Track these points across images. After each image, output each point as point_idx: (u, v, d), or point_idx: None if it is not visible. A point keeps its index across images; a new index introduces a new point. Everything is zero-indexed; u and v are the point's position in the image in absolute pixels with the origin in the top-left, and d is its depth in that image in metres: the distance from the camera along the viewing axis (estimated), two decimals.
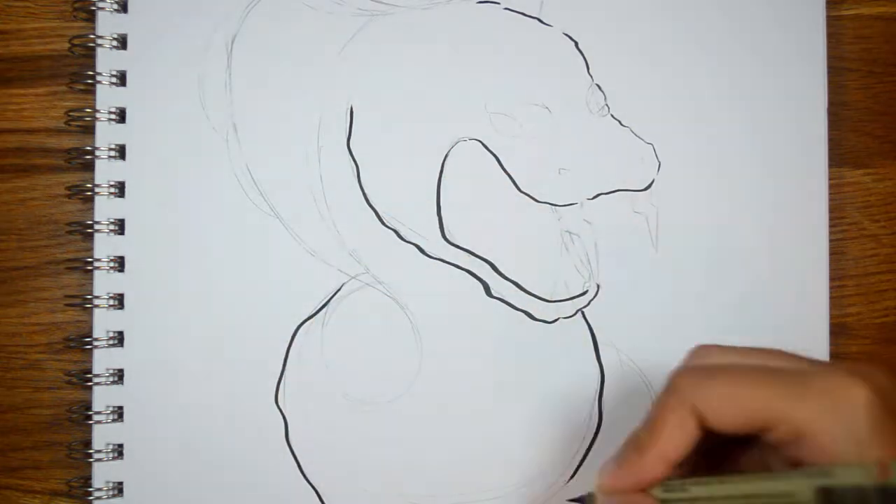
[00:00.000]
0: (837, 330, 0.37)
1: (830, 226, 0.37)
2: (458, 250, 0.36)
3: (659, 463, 0.25)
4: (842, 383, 0.24)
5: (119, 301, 0.35)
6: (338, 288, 0.36)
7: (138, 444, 0.35)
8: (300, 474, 0.35)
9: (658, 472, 0.25)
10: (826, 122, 0.37)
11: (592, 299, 0.36)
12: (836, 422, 0.23)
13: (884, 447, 0.23)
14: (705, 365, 0.26)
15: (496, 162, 0.36)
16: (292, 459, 0.35)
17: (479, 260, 0.36)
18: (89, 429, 0.35)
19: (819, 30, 0.37)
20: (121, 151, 0.35)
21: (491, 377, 0.36)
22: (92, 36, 0.36)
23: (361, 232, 0.36)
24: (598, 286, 0.36)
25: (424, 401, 0.36)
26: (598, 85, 0.37)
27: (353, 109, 0.36)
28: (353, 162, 0.36)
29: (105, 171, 0.35)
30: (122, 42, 0.36)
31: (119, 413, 0.35)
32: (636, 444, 0.26)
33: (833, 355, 0.36)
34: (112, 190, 0.35)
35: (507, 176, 0.36)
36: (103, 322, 0.35)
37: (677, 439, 0.25)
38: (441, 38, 0.36)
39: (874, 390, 0.24)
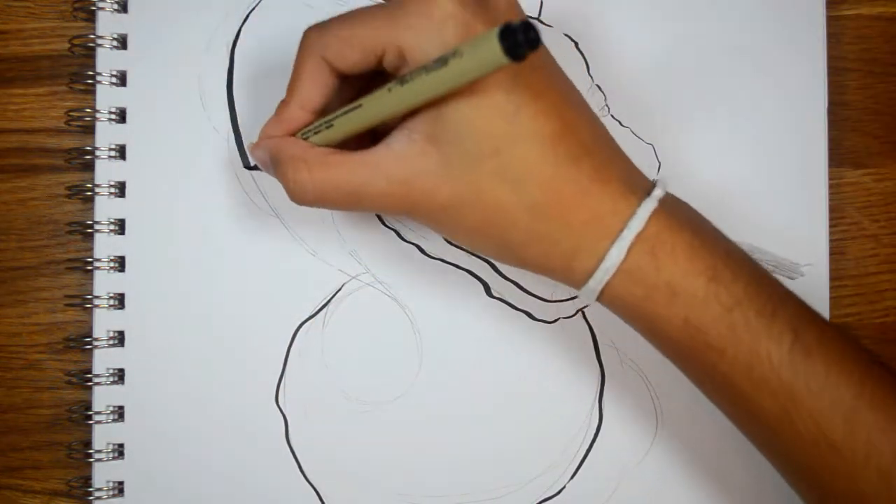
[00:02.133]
0: None
1: (830, 226, 0.37)
2: (459, 250, 0.36)
3: (299, 109, 0.29)
4: (429, 1, 0.26)
5: (119, 301, 0.35)
6: (338, 288, 0.36)
7: (138, 444, 0.35)
8: (300, 474, 0.35)
9: (302, 119, 0.29)
10: (826, 122, 0.37)
11: None
12: (427, 36, 0.26)
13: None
14: (327, 20, 0.29)
15: None
16: (292, 459, 0.35)
17: (479, 260, 0.36)
18: (89, 429, 0.35)
19: (819, 30, 0.37)
20: (121, 151, 0.35)
21: (491, 377, 0.36)
22: (92, 36, 0.36)
23: (362, 232, 0.36)
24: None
25: (424, 401, 0.36)
26: (598, 85, 0.37)
27: None
28: None
29: (105, 171, 0.35)
30: (122, 42, 0.36)
31: (119, 413, 0.35)
32: (283, 101, 0.30)
33: None
34: (112, 190, 0.35)
35: None
36: (103, 322, 0.35)
37: (314, 87, 0.29)
38: None
39: (457, 1, 0.26)
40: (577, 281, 0.29)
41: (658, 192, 0.28)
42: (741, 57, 0.37)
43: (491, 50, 0.23)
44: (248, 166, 0.36)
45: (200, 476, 0.35)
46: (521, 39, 0.22)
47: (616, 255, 0.27)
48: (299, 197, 0.29)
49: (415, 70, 0.26)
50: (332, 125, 0.29)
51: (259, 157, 0.31)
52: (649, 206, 0.28)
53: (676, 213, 0.28)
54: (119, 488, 0.35)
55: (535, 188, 0.27)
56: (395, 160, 0.27)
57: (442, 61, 0.24)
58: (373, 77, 0.29)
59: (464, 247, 0.31)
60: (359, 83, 0.30)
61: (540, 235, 0.28)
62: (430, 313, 0.36)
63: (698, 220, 0.30)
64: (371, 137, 0.29)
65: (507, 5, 0.28)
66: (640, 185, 0.29)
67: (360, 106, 0.28)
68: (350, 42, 0.28)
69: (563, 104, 0.28)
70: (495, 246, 0.29)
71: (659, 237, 0.27)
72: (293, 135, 0.30)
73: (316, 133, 0.29)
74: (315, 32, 0.29)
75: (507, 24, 0.23)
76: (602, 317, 0.36)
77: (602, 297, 0.29)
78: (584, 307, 0.36)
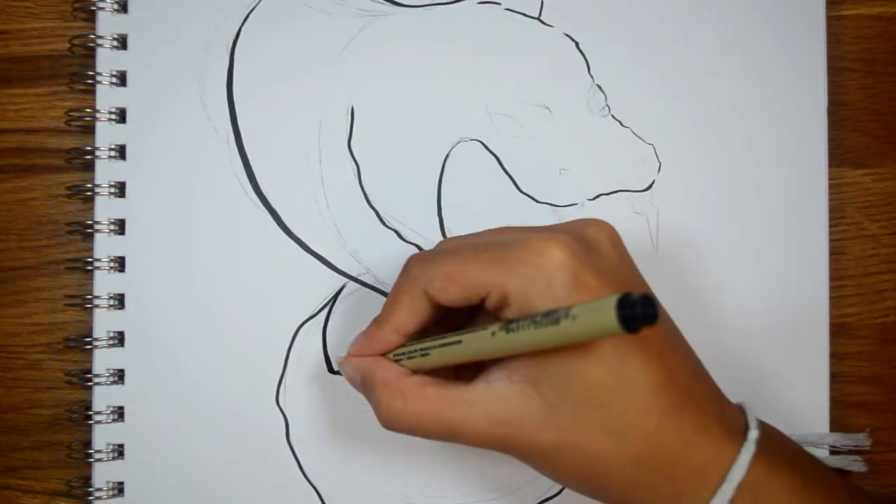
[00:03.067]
0: (837, 330, 0.37)
1: (830, 226, 0.37)
2: None
3: (393, 333, 0.30)
4: (538, 249, 0.26)
5: (119, 301, 0.35)
6: (338, 288, 0.36)
7: (138, 444, 0.35)
8: (300, 474, 0.35)
9: (392, 341, 0.30)
10: (826, 122, 0.37)
11: None
12: (536, 285, 0.26)
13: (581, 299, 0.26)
14: (433, 250, 0.30)
15: (497, 162, 0.36)
16: (293, 459, 0.35)
17: None
18: (89, 429, 0.35)
19: (819, 30, 0.37)
20: (121, 151, 0.35)
21: None
22: (92, 36, 0.36)
23: (362, 232, 0.36)
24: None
25: None
26: (598, 85, 0.37)
27: (354, 110, 0.36)
28: (353, 162, 0.36)
29: (105, 171, 0.35)
30: (122, 42, 0.36)
31: (119, 413, 0.35)
32: (377, 320, 0.30)
33: (833, 355, 0.36)
34: (112, 190, 0.35)
35: (507, 176, 0.36)
36: (103, 322, 0.35)
37: (409, 315, 0.29)
38: (441, 39, 0.36)
39: (568, 252, 0.26)
40: None
41: (754, 434, 0.28)
42: (741, 57, 0.37)
43: (606, 318, 0.22)
44: (332, 371, 0.36)
45: (200, 476, 0.35)
46: (638, 313, 0.22)
47: None
48: (391, 424, 0.29)
49: (522, 321, 0.25)
50: (427, 354, 0.29)
51: (349, 374, 0.31)
52: (748, 452, 0.27)
53: (774, 453, 0.28)
54: (119, 488, 0.35)
55: (639, 440, 0.26)
56: (496, 401, 0.27)
57: (553, 320, 0.24)
58: (472, 309, 0.29)
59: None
60: (456, 311, 0.30)
61: (642, 485, 0.27)
62: None
63: (794, 454, 0.30)
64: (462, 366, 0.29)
65: (611, 248, 0.28)
66: (736, 426, 0.28)
67: (459, 342, 0.27)
68: (454, 279, 0.28)
69: (667, 353, 0.27)
70: (595, 490, 0.28)
71: (759, 482, 0.27)
72: (383, 355, 0.30)
73: (410, 358, 0.29)
74: (419, 264, 0.29)
75: (626, 296, 0.22)
76: None
77: None
78: None
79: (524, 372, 0.27)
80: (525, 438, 0.27)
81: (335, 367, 0.35)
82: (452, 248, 0.29)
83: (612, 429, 0.26)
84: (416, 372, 0.29)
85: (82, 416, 0.35)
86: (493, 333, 0.26)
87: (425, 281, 0.28)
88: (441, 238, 0.36)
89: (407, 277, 0.29)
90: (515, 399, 0.27)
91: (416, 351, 0.29)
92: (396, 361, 0.30)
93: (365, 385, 0.30)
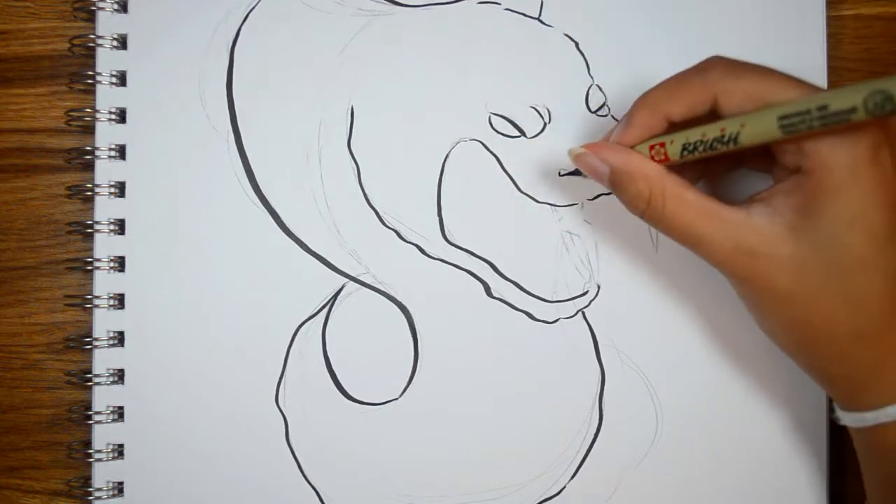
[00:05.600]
0: None
1: None
2: (459, 251, 0.36)
3: (662, 119, 0.29)
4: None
5: (119, 301, 0.35)
6: (338, 288, 0.36)
7: (138, 444, 0.35)
8: (300, 474, 0.35)
9: (655, 127, 0.29)
10: None
11: (593, 299, 0.36)
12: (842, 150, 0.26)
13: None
14: (738, 62, 0.29)
15: (497, 162, 0.36)
16: (292, 459, 0.35)
17: (479, 260, 0.36)
18: (89, 429, 0.35)
19: (819, 30, 0.37)
20: (121, 151, 0.35)
21: (491, 377, 0.36)
22: (92, 36, 0.36)
23: (362, 232, 0.36)
24: (599, 286, 0.36)
25: (425, 401, 0.36)
26: (598, 86, 0.37)
27: (354, 110, 0.36)
28: (353, 162, 0.36)
29: (105, 171, 0.35)
30: (122, 42, 0.36)
31: (119, 413, 0.35)
32: (639, 103, 0.29)
33: None
34: (112, 190, 0.35)
35: (507, 176, 0.36)
36: (103, 322, 0.35)
37: (684, 106, 0.28)
38: (441, 39, 0.36)
39: (883, 137, 0.26)
40: (851, 405, 0.29)
41: None
42: (741, 57, 0.37)
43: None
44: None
45: (200, 476, 0.35)
46: None
47: None
48: (645, 216, 0.29)
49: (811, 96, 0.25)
50: (703, 139, 0.28)
51: (593, 166, 0.31)
52: None
53: None
54: (119, 488, 0.35)
55: (871, 318, 0.27)
56: (751, 231, 0.27)
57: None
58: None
59: (763, 330, 0.31)
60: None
61: (850, 357, 0.27)
62: (430, 313, 0.36)
63: None
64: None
65: None
66: None
67: (742, 124, 0.27)
68: (751, 101, 0.28)
69: None
70: (798, 348, 0.29)
71: None
72: (634, 145, 0.30)
73: (673, 144, 0.29)
74: (722, 72, 0.28)
75: None
76: (602, 317, 0.36)
77: (867, 430, 0.29)
78: (585, 307, 0.36)
79: (789, 217, 0.27)
80: (763, 275, 0.27)
81: (569, 157, 0.32)
82: (761, 71, 0.28)
83: (851, 299, 0.27)
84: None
85: (82, 416, 0.35)
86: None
87: (722, 91, 0.28)
88: (441, 238, 0.36)
89: (704, 79, 0.28)
90: (771, 236, 0.27)
91: (681, 137, 0.28)
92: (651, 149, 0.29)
93: (617, 177, 0.30)
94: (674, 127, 0.30)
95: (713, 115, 0.29)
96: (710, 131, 0.28)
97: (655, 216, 0.29)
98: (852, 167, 0.26)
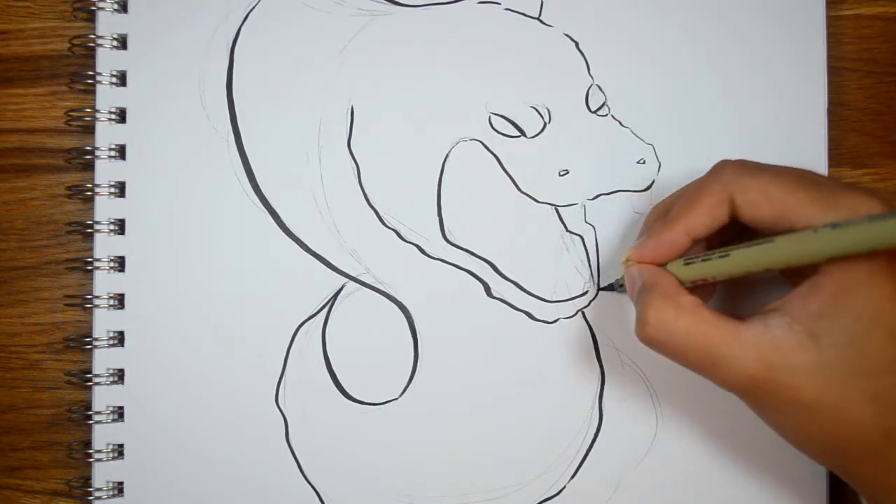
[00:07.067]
0: None
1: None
2: (459, 251, 0.36)
3: (684, 235, 0.29)
4: (865, 202, 0.26)
5: (119, 301, 0.35)
6: (338, 288, 0.36)
7: (138, 444, 0.35)
8: (300, 474, 0.35)
9: (681, 244, 0.29)
10: (826, 122, 0.37)
11: (593, 299, 0.36)
12: None
13: None
14: (750, 162, 0.29)
15: (497, 162, 0.36)
16: (292, 459, 0.35)
17: (479, 260, 0.36)
18: (89, 429, 0.35)
19: (819, 30, 0.37)
20: (121, 151, 0.35)
21: (491, 377, 0.36)
22: (92, 36, 0.36)
23: (362, 232, 0.36)
24: (598, 286, 0.36)
25: (425, 401, 0.36)
26: (598, 85, 0.37)
27: (354, 109, 0.36)
28: (353, 162, 0.36)
29: (105, 171, 0.35)
30: (122, 42, 0.36)
31: (119, 413, 0.35)
32: (668, 220, 0.29)
33: None
34: (112, 190, 0.35)
35: (507, 176, 0.36)
36: (103, 322, 0.35)
37: (706, 218, 0.28)
38: (441, 38, 0.36)
39: (890, 208, 0.26)
40: None
41: None
42: (741, 57, 0.37)
43: None
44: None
45: (200, 476, 0.35)
46: None
47: None
48: (651, 333, 0.28)
49: (853, 218, 0.25)
50: (727, 256, 0.28)
51: (631, 277, 0.30)
52: None
53: None
54: (119, 488, 0.35)
55: None
56: (770, 345, 0.26)
57: (885, 216, 0.24)
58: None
59: (786, 440, 0.30)
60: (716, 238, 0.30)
61: (877, 457, 0.27)
62: (430, 313, 0.36)
63: None
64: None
65: None
66: None
67: (771, 241, 0.27)
68: (772, 201, 0.27)
69: None
70: (826, 453, 0.28)
71: None
72: (663, 262, 0.30)
73: (704, 261, 0.28)
74: (736, 171, 0.28)
75: None
76: (602, 317, 0.36)
77: None
78: (585, 307, 0.36)
79: (808, 324, 0.26)
80: (787, 389, 0.26)
81: (621, 263, 0.32)
82: (776, 171, 0.28)
83: (880, 400, 0.26)
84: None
85: (82, 416, 0.35)
86: (816, 231, 0.25)
87: (738, 189, 0.27)
88: (441, 238, 0.36)
89: (718, 179, 0.28)
90: (791, 348, 0.26)
91: (712, 254, 0.28)
92: (685, 265, 0.29)
93: (642, 291, 0.29)
94: (696, 244, 0.30)
95: (731, 224, 0.29)
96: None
97: (668, 332, 0.28)
98: (871, 263, 0.26)
